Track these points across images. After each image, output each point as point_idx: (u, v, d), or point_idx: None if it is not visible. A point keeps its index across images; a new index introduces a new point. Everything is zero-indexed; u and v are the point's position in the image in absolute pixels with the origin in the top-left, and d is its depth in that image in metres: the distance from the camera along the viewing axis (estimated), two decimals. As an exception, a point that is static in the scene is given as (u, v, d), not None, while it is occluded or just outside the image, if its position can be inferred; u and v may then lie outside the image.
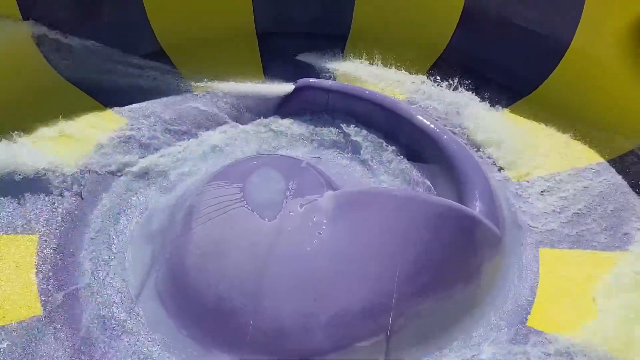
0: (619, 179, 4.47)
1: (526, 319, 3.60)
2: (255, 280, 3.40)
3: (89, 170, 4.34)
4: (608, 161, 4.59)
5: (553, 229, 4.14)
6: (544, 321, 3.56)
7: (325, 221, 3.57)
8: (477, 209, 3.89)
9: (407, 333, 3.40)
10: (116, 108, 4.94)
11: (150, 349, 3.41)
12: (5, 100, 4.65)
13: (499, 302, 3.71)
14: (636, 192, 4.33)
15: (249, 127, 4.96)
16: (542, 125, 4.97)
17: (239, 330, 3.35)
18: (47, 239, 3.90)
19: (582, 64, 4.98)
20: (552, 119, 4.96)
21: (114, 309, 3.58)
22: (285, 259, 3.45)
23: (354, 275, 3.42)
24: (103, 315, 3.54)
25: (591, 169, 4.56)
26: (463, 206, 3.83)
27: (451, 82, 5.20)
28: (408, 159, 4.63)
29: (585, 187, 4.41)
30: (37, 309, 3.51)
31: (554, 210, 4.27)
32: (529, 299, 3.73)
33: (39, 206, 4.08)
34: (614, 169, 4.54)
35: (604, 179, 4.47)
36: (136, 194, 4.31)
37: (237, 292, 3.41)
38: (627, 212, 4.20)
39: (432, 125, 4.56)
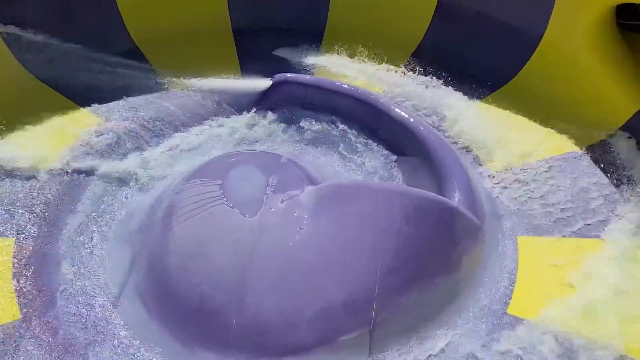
0: (592, 167, 4.54)
1: (507, 307, 3.65)
2: (237, 277, 3.39)
3: (65, 171, 4.27)
4: (581, 150, 4.67)
5: (530, 218, 4.20)
6: (524, 308, 3.61)
7: (306, 216, 3.58)
8: (456, 199, 3.93)
9: (390, 325, 3.43)
10: (91, 107, 4.86)
11: (133, 350, 3.38)
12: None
13: (480, 291, 3.76)
14: (609, 179, 4.42)
15: (226, 123, 4.92)
16: (517, 116, 5.03)
17: (222, 328, 3.34)
18: (24, 241, 3.82)
19: (555, 56, 5.05)
20: (526, 110, 5.03)
21: (94, 311, 3.54)
22: (267, 255, 3.45)
23: (336, 269, 3.44)
24: (83, 318, 3.49)
25: (565, 158, 4.62)
26: (443, 197, 3.88)
27: (427, 75, 5.25)
28: (387, 152, 4.66)
29: (560, 176, 4.47)
30: (16, 313, 3.43)
31: (530, 199, 4.33)
32: (509, 287, 3.78)
33: (14, 208, 3.99)
34: (588, 158, 4.61)
35: (578, 168, 4.54)
36: (113, 194, 4.26)
37: (219, 290, 3.40)
38: (601, 199, 4.28)
39: (409, 118, 4.60)
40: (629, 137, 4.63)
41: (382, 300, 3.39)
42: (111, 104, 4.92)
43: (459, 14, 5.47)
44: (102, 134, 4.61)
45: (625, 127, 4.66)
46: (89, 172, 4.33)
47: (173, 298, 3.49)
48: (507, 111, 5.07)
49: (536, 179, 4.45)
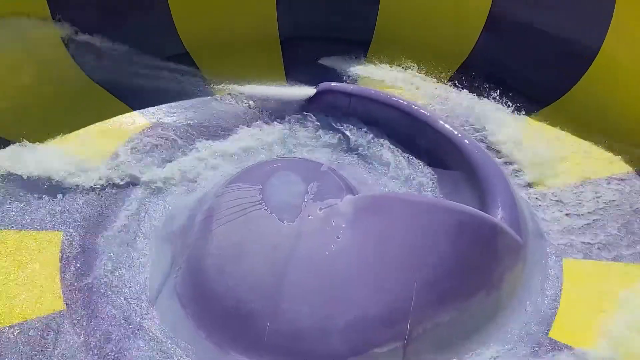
0: (643, 190, 4.37)
1: (548, 330, 3.54)
2: (273, 282, 3.40)
3: (114, 171, 4.40)
4: (632, 172, 4.50)
5: (577, 240, 4.07)
6: (567, 333, 3.49)
7: (344, 225, 3.56)
8: (499, 216, 3.83)
9: (424, 340, 3.36)
10: (141, 110, 5.02)
11: (168, 349, 3.43)
12: (33, 100, 4.77)
13: (521, 312, 3.65)
14: (664, 204, 4.23)
15: (269, 129, 4.97)
16: (568, 134, 4.90)
17: (256, 332, 3.35)
18: (72, 236, 3.96)
19: (612, 72, 4.89)
20: (578, 127, 4.89)
21: (134, 309, 3.62)
22: (303, 262, 3.44)
23: (372, 280, 3.40)
24: (122, 313, 3.58)
25: (616, 179, 4.47)
26: (485, 214, 3.78)
27: (474, 88, 5.17)
28: (429, 165, 4.60)
29: (609, 198, 4.32)
30: (60, 305, 3.56)
31: (578, 220, 4.19)
32: (552, 310, 3.66)
33: (64, 205, 4.15)
34: (638, 180, 4.42)
35: (628, 190, 4.38)
36: (157, 194, 4.35)
37: (254, 294, 3.41)
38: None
39: (454, 131, 4.52)
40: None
41: (418, 314, 3.33)
42: (160, 107, 5.08)
43: (511, 26, 5.37)
44: (149, 136, 4.76)
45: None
46: (136, 173, 4.44)
47: (209, 299, 3.53)
48: (557, 128, 4.94)
49: (585, 200, 4.31)
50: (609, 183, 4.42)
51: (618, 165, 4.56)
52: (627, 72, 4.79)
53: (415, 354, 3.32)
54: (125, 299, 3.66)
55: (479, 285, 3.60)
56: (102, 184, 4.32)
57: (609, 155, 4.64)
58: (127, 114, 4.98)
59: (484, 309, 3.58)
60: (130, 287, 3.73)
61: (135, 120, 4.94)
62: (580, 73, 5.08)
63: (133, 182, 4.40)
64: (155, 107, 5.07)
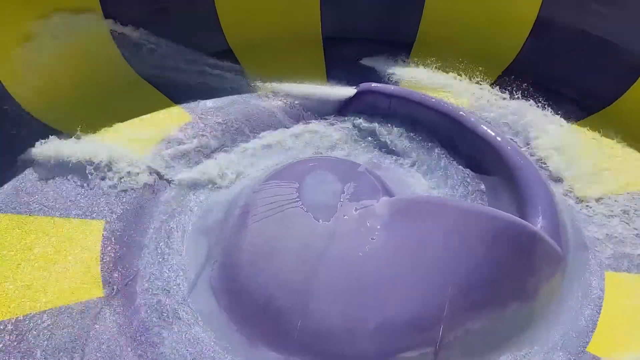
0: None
1: (587, 344, 3.43)
2: (305, 281, 3.41)
3: (155, 164, 4.49)
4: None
5: (621, 253, 3.94)
6: (605, 348, 3.38)
7: (379, 227, 3.54)
8: (539, 225, 3.74)
9: (456, 347, 3.31)
10: (184, 104, 5.12)
11: (201, 339, 3.48)
12: (83, 92, 4.92)
13: (558, 323, 3.56)
14: None
15: (309, 128, 5.00)
16: (615, 143, 4.77)
17: (287, 329, 3.37)
18: (113, 226, 4.06)
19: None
20: (626, 136, 4.75)
21: (169, 298, 3.69)
22: (336, 262, 3.45)
23: (405, 284, 3.37)
24: (159, 303, 3.66)
25: (666, 191, 4.29)
26: (524, 222, 3.69)
27: (519, 92, 5.05)
28: (469, 170, 4.53)
29: (656, 210, 4.16)
30: (99, 291, 3.66)
31: (622, 233, 4.06)
32: (591, 324, 3.56)
33: (107, 195, 4.26)
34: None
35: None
36: (196, 188, 4.43)
37: (286, 291, 3.44)
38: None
39: (496, 136, 4.43)
40: None
41: (451, 321, 3.28)
42: (202, 103, 5.16)
43: (559, 31, 5.24)
44: (190, 131, 4.84)
45: None
46: (176, 167, 4.53)
47: (242, 294, 3.57)
48: (604, 136, 4.80)
49: (630, 211, 4.17)
50: (656, 195, 4.26)
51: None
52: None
53: (446, 360, 3.27)
54: (161, 288, 3.74)
55: (515, 295, 3.53)
56: (144, 176, 4.40)
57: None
58: (171, 108, 5.08)
59: (518, 318, 3.51)
60: (166, 277, 3.81)
61: (178, 114, 5.03)
62: (630, 81, 4.93)
63: (172, 175, 4.47)
64: (197, 102, 5.16)
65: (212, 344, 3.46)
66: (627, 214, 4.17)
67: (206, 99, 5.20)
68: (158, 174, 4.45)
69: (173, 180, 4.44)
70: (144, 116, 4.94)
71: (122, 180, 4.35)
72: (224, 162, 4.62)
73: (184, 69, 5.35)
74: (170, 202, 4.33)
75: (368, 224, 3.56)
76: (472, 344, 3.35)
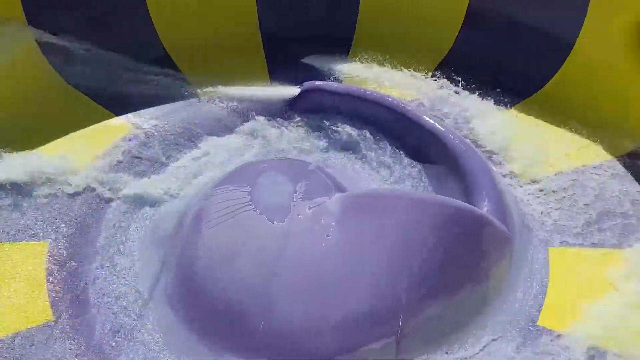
0: (624, 176, 4.47)
1: (537, 319, 3.59)
2: (264, 283, 3.41)
3: (97, 177, 4.35)
4: (613, 159, 4.59)
5: (562, 228, 4.13)
6: (555, 320, 3.54)
7: (333, 224, 3.58)
8: (485, 209, 3.88)
9: (417, 336, 3.40)
10: (123, 115, 4.96)
11: (161, 354, 3.41)
12: (11, 107, 4.66)
13: (509, 302, 3.70)
14: (640, 188, 4.33)
15: (255, 130, 4.95)
16: (548, 125, 4.96)
17: (249, 333, 3.35)
18: (58, 245, 3.90)
19: (587, 63, 4.97)
20: (557, 118, 4.95)
21: (124, 315, 3.59)
22: (294, 262, 3.46)
23: (363, 277, 3.42)
24: (113, 321, 3.55)
25: (597, 167, 4.54)
26: (472, 206, 3.83)
27: (457, 82, 5.21)
28: (415, 160, 4.62)
29: (592, 186, 4.39)
30: (49, 315, 3.51)
31: (561, 209, 4.26)
32: (540, 298, 3.71)
33: (48, 214, 4.08)
34: (620, 167, 4.54)
35: (610, 177, 4.45)
36: (144, 199, 4.31)
37: (246, 296, 3.41)
38: (633, 210, 4.19)
39: (438, 126, 4.56)
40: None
41: (409, 310, 3.36)
42: (142, 112, 5.02)
43: (489, 20, 5.43)
44: (132, 141, 4.72)
45: (660, 136, 4.55)
46: (121, 178, 4.40)
47: (200, 302, 3.52)
48: (538, 119, 5.01)
49: (567, 189, 4.37)
50: (590, 171, 4.50)
51: (598, 154, 4.64)
52: (602, 63, 4.88)
53: (407, 348, 3.35)
54: (114, 307, 3.63)
55: (469, 277, 3.65)
56: (86, 192, 4.25)
57: (589, 144, 4.72)
58: (109, 120, 4.92)
59: (473, 300, 3.63)
60: (119, 294, 3.70)
61: (118, 125, 4.87)
62: (557, 65, 5.16)
63: (117, 189, 4.34)
64: (137, 111, 5.01)
65: (174, 357, 3.39)
66: (563, 191, 4.37)
67: (146, 107, 5.05)
68: (100, 188, 4.30)
69: (117, 194, 4.31)
70: (81, 130, 4.76)
71: (62, 197, 4.18)
72: (170, 171, 4.54)
73: (121, 78, 5.16)
74: (117, 216, 4.20)
75: (322, 221, 3.59)
76: (431, 330, 3.45)
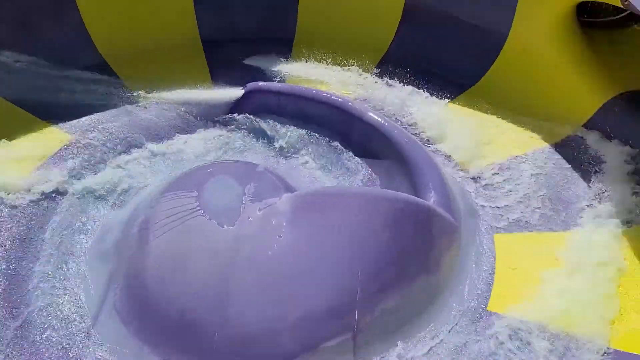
0: (561, 162, 4.67)
1: (486, 304, 3.69)
2: (218, 289, 3.36)
3: (35, 191, 4.18)
4: (550, 146, 4.78)
5: (505, 215, 4.27)
6: (504, 304, 3.65)
7: (284, 224, 3.57)
8: (432, 200, 3.97)
9: (373, 329, 3.43)
10: (61, 124, 4.80)
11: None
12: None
13: (460, 290, 3.79)
14: (578, 173, 4.53)
15: (200, 134, 4.90)
16: (487, 116, 5.12)
17: (205, 341, 3.29)
18: (-5, 265, 3.71)
19: (520, 55, 5.16)
20: (495, 109, 5.13)
21: (72, 332, 3.45)
22: (247, 265, 3.43)
23: (316, 276, 3.43)
24: (61, 340, 3.40)
25: (535, 154, 4.73)
26: (418, 199, 3.91)
27: (398, 78, 5.31)
28: (362, 156, 4.69)
29: (531, 173, 4.57)
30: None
31: (503, 196, 4.40)
32: (488, 284, 3.82)
33: None
34: (557, 153, 4.74)
35: (547, 163, 4.65)
36: (87, 211, 4.18)
37: (200, 303, 3.36)
38: (572, 193, 4.39)
39: (382, 122, 4.64)
40: (595, 131, 4.74)
41: (364, 304, 3.40)
42: (81, 120, 4.86)
43: (425, 17, 5.55)
44: (72, 151, 4.56)
45: (591, 121, 4.78)
46: (61, 191, 4.25)
47: (152, 314, 3.44)
48: (477, 111, 5.16)
49: (508, 176, 4.54)
50: (530, 158, 4.68)
51: (536, 142, 4.83)
52: (535, 53, 5.07)
53: (364, 343, 3.38)
54: (63, 324, 3.48)
55: (420, 269, 3.72)
56: (25, 206, 4.08)
57: (527, 132, 4.92)
58: (45, 129, 4.74)
59: (425, 291, 3.69)
60: (67, 311, 3.56)
61: (56, 136, 4.69)
62: (493, 57, 5.32)
63: (58, 200, 4.19)
64: (75, 120, 4.84)
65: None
66: (503, 179, 4.53)
67: (85, 116, 4.89)
68: (39, 201, 4.13)
69: (58, 206, 4.16)
70: (16, 141, 4.56)
71: (0, 212, 3.98)
72: (112, 180, 4.39)
73: (57, 87, 4.99)
74: (59, 229, 4.04)
75: (273, 222, 3.57)
76: (386, 323, 3.49)
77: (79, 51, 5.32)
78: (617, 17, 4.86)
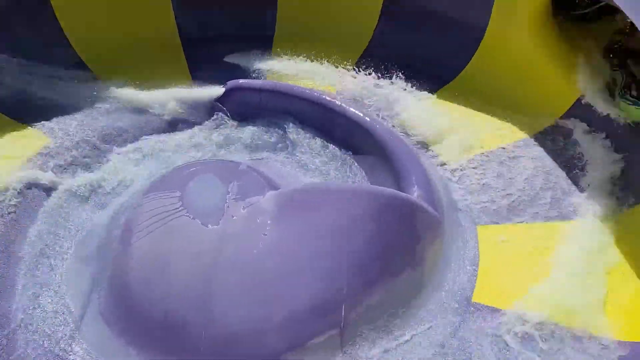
0: (542, 153, 4.71)
1: (471, 295, 3.73)
2: (203, 289, 3.34)
3: (16, 194, 4.10)
4: (530, 138, 4.83)
5: (487, 207, 4.31)
6: (488, 296, 3.70)
7: (269, 222, 3.56)
8: (415, 194, 3.99)
9: (360, 324, 3.45)
10: (38, 125, 4.71)
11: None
12: None
13: (445, 282, 3.82)
14: (558, 164, 4.59)
15: (181, 133, 4.87)
16: (467, 109, 5.15)
17: (191, 342, 3.28)
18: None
19: (499, 48, 5.19)
20: (475, 102, 5.15)
21: (56, 338, 3.41)
22: (232, 265, 3.41)
23: (302, 273, 3.44)
24: (45, 346, 3.36)
25: (517, 146, 4.77)
26: (402, 193, 3.93)
27: (379, 73, 5.31)
28: (345, 152, 4.69)
29: (512, 165, 4.61)
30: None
31: (485, 189, 4.44)
32: (473, 276, 3.86)
33: None
34: (537, 145, 4.78)
35: (528, 155, 4.69)
36: (69, 213, 4.12)
37: (186, 304, 3.34)
38: (552, 184, 4.44)
39: (364, 117, 4.65)
40: (574, 121, 4.80)
41: (351, 300, 3.41)
42: (59, 120, 4.77)
43: (405, 11, 5.55)
44: (51, 152, 4.49)
45: (570, 112, 4.83)
46: (42, 194, 4.19)
47: (137, 315, 3.41)
48: (458, 104, 5.18)
49: (489, 169, 4.57)
50: (511, 151, 4.72)
51: (517, 134, 4.87)
52: (514, 46, 5.10)
53: (352, 339, 3.40)
54: (46, 330, 3.43)
55: (405, 263, 3.75)
56: (2, 210, 4.00)
57: (508, 125, 4.95)
58: (23, 131, 4.65)
59: (411, 284, 3.72)
60: (50, 316, 3.50)
61: (33, 137, 4.61)
62: (472, 51, 5.35)
63: (39, 204, 4.13)
64: (53, 120, 4.76)
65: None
66: (485, 171, 4.57)
67: (63, 116, 4.80)
68: (20, 205, 4.07)
69: (38, 210, 4.10)
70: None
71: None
72: (94, 181, 4.34)
73: (33, 87, 4.89)
74: (41, 232, 3.98)
75: (258, 220, 3.56)
76: (373, 318, 3.51)
77: (55, 50, 5.22)
78: (592, 8, 4.92)
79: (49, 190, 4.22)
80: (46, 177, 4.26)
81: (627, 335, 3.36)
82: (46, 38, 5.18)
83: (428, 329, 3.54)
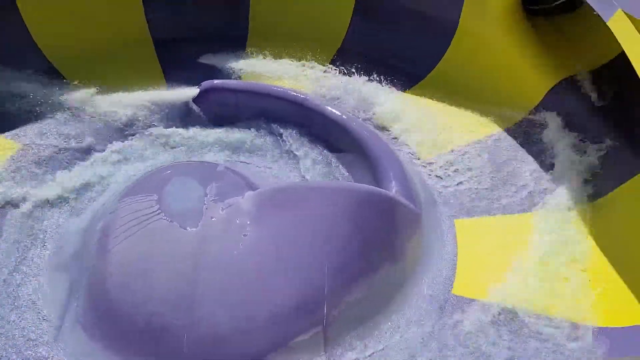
0: (515, 146, 4.79)
1: (451, 288, 3.77)
2: (184, 292, 3.31)
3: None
4: (504, 131, 4.91)
5: (464, 200, 4.37)
6: (468, 288, 3.75)
7: (248, 222, 3.54)
8: (393, 190, 4.02)
9: (342, 321, 3.46)
10: (7, 133, 4.62)
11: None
12: None
13: (425, 276, 3.86)
14: (532, 156, 4.67)
15: (157, 135, 4.81)
16: (442, 104, 5.21)
17: (174, 346, 3.24)
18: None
19: (471, 43, 5.28)
20: (450, 96, 5.22)
21: (35, 348, 3.34)
22: (212, 266, 3.39)
23: (283, 272, 3.43)
24: (23, 357, 3.29)
25: (491, 139, 4.85)
26: (380, 189, 3.96)
27: (353, 70, 5.34)
28: (323, 150, 4.70)
29: (487, 158, 4.68)
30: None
31: (462, 182, 4.51)
32: (452, 269, 3.91)
33: None
34: (510, 138, 4.86)
35: (503, 148, 4.77)
36: (43, 220, 4.05)
37: (167, 308, 3.30)
38: (527, 176, 4.51)
39: (341, 115, 4.67)
40: (545, 114, 4.89)
41: (333, 298, 3.42)
42: (30, 127, 4.69)
43: (378, 7, 5.60)
44: (21, 160, 4.40)
45: (541, 105, 4.93)
46: (15, 201, 4.10)
47: (118, 322, 3.36)
48: (432, 100, 5.24)
49: (465, 163, 4.64)
50: (484, 144, 4.80)
51: (490, 127, 4.94)
52: (486, 40, 5.18)
53: (335, 336, 3.41)
54: (24, 340, 3.36)
55: (385, 258, 3.77)
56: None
57: (481, 118, 5.03)
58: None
59: (392, 280, 3.74)
60: (27, 326, 3.44)
61: (3, 144, 4.51)
62: (445, 46, 5.41)
63: (12, 211, 4.04)
64: (23, 127, 4.67)
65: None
66: (461, 165, 4.63)
67: (34, 122, 4.72)
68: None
69: (10, 216, 4.01)
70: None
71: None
72: (66, 186, 4.27)
73: (2, 95, 4.79)
74: (16, 240, 3.90)
75: (237, 221, 3.54)
76: (355, 314, 3.52)
77: (24, 55, 5.13)
78: (558, 2, 5.02)
79: (20, 198, 4.13)
80: (17, 186, 4.18)
81: (604, 321, 3.42)
82: (13, 41, 5.09)
83: (411, 323, 3.55)
